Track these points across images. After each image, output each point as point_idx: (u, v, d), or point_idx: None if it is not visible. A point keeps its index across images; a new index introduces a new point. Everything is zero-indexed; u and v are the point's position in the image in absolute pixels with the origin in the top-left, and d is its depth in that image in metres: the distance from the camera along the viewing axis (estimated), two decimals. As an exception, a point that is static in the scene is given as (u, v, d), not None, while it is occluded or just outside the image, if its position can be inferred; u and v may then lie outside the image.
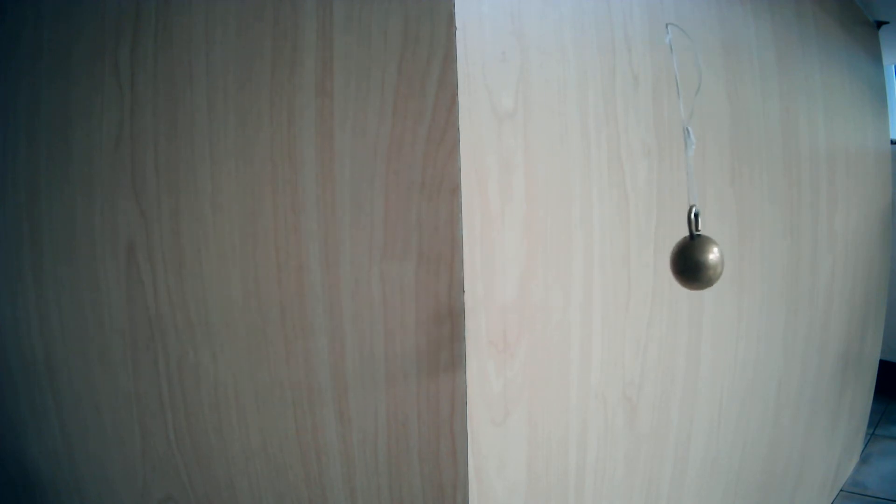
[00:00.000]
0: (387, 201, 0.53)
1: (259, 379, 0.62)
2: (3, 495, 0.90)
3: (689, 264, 0.49)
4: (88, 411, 0.77)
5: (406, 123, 0.51)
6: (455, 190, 0.50)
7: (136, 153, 0.67)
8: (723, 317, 0.93)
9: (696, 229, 0.50)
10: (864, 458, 1.91)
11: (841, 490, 1.73)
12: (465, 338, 0.51)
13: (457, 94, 0.49)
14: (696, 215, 0.51)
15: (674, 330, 0.80)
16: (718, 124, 0.88)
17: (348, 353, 0.57)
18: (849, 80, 1.48)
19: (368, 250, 0.54)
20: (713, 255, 0.49)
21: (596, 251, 0.65)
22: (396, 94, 0.51)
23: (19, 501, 0.89)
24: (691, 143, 0.51)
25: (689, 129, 0.50)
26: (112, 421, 0.75)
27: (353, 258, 0.55)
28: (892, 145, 1.97)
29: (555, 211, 0.59)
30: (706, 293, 0.87)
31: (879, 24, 1.73)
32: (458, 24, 0.49)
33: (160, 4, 0.64)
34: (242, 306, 0.62)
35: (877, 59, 1.76)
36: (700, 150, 0.83)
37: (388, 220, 0.53)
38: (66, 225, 0.74)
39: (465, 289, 0.51)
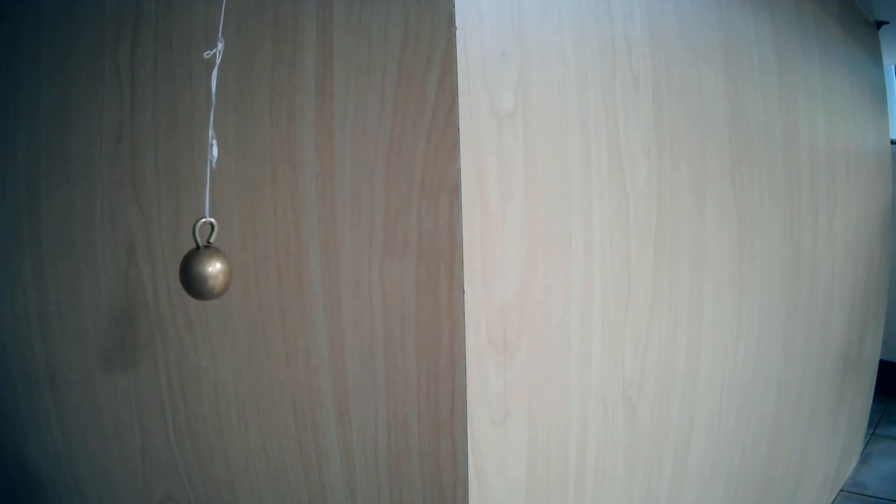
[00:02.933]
0: (387, 201, 0.53)
1: (259, 379, 0.62)
2: (3, 495, 0.90)
3: (188, 275, 0.50)
4: (88, 411, 0.77)
5: (406, 123, 0.51)
6: (455, 190, 0.50)
7: (135, 153, 0.67)
8: (723, 317, 0.93)
9: (208, 241, 0.51)
10: (864, 458, 1.91)
11: (841, 490, 1.73)
12: (465, 338, 0.51)
13: (457, 94, 0.49)
14: (213, 227, 0.51)
15: (674, 330, 0.80)
16: (718, 124, 0.88)
17: (348, 353, 0.57)
18: (849, 80, 1.48)
19: (368, 250, 0.54)
20: (213, 267, 0.50)
21: (596, 251, 0.65)
22: (396, 94, 0.51)
23: (19, 502, 0.89)
24: (213, 156, 0.51)
25: (214, 142, 0.50)
26: (112, 421, 0.75)
27: (353, 258, 0.55)
28: (892, 145, 1.97)
29: (555, 211, 0.59)
30: (706, 293, 0.87)
31: (879, 24, 1.73)
32: (458, 24, 0.49)
33: (160, 4, 0.64)
34: (242, 306, 0.62)
35: (877, 59, 1.76)
36: (700, 150, 0.83)
37: (388, 220, 0.53)
38: (66, 225, 0.74)
39: (465, 289, 0.51)
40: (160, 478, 0.72)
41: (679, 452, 0.85)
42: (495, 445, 0.55)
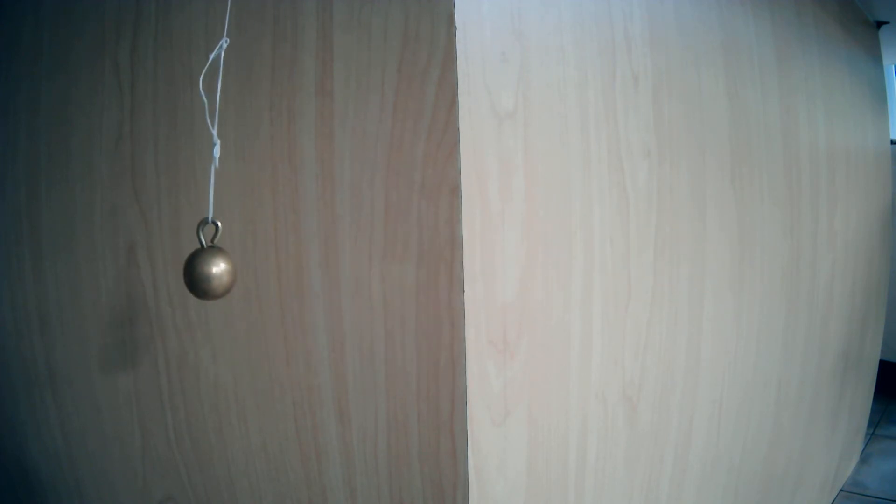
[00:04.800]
0: (387, 201, 0.53)
1: (259, 379, 0.62)
2: (3, 495, 0.90)
3: (192, 275, 0.50)
4: (88, 411, 0.77)
5: (406, 123, 0.51)
6: (455, 190, 0.50)
7: (135, 153, 0.67)
8: (723, 317, 0.93)
9: (210, 242, 0.51)
10: (864, 458, 1.91)
11: (841, 490, 1.73)
12: (465, 338, 0.51)
13: (457, 94, 0.49)
14: (217, 227, 0.51)
15: (674, 330, 0.80)
16: (718, 124, 0.88)
17: (348, 353, 0.57)
18: (849, 80, 1.48)
19: (368, 250, 0.54)
20: (217, 267, 0.50)
21: (596, 251, 0.65)
22: (396, 94, 0.51)
23: (19, 502, 0.89)
24: (216, 154, 0.51)
25: (217, 141, 0.50)
26: (112, 421, 0.75)
27: (353, 258, 0.55)
28: (892, 145, 1.97)
29: (555, 211, 0.59)
30: (706, 293, 0.87)
31: (879, 24, 1.73)
32: (458, 24, 0.49)
33: (160, 4, 0.64)
34: (242, 306, 0.62)
35: (877, 59, 1.76)
36: (700, 150, 0.83)
37: (388, 220, 0.53)
38: (66, 224, 0.74)
39: (465, 289, 0.51)
40: (160, 478, 0.72)
41: (679, 452, 0.85)
42: (495, 445, 0.55)
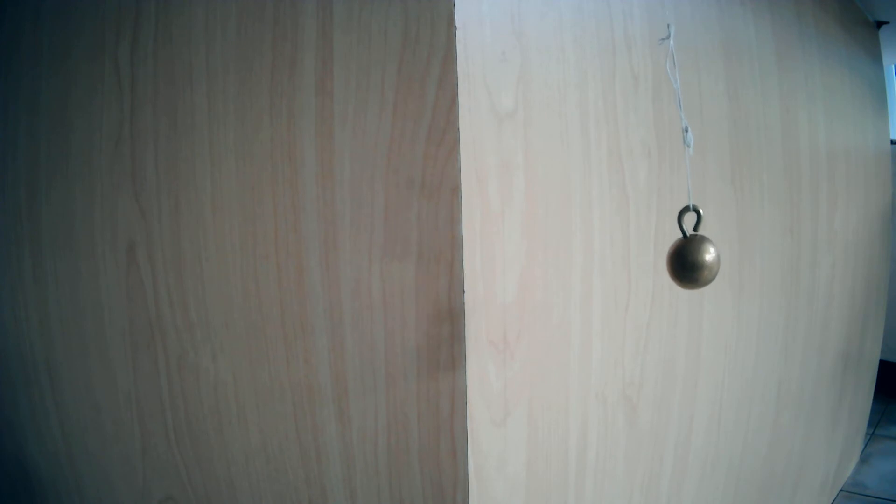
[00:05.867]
0: (387, 201, 0.53)
1: (259, 379, 0.62)
2: (3, 495, 0.90)
3: (685, 265, 0.50)
4: (88, 411, 0.77)
5: (406, 123, 0.51)
6: (455, 190, 0.50)
7: (135, 152, 0.68)
8: (723, 317, 0.93)
9: (694, 230, 0.51)
10: (864, 458, 1.91)
11: (841, 490, 1.73)
12: (465, 338, 0.51)
13: (457, 94, 0.49)
14: (699, 215, 0.51)
15: (674, 330, 0.80)
16: (718, 124, 0.88)
17: (348, 353, 0.57)
18: (849, 80, 1.48)
19: (368, 250, 0.54)
20: (709, 255, 0.50)
21: (596, 251, 0.65)
22: (396, 94, 0.51)
23: (19, 501, 0.89)
24: (689, 140, 0.50)
25: (688, 127, 0.50)
26: (112, 421, 0.75)
27: (353, 258, 0.55)
28: (892, 145, 1.97)
29: (555, 211, 0.59)
30: (706, 293, 0.87)
31: (879, 24, 1.73)
32: (458, 24, 0.49)
33: (160, 4, 0.64)
34: (242, 306, 0.62)
35: (877, 59, 1.76)
36: (700, 150, 0.83)
37: (388, 220, 0.53)
38: (66, 224, 0.74)
39: (465, 289, 0.51)
40: (160, 478, 0.72)
41: (679, 452, 0.85)
42: (495, 445, 0.55)
